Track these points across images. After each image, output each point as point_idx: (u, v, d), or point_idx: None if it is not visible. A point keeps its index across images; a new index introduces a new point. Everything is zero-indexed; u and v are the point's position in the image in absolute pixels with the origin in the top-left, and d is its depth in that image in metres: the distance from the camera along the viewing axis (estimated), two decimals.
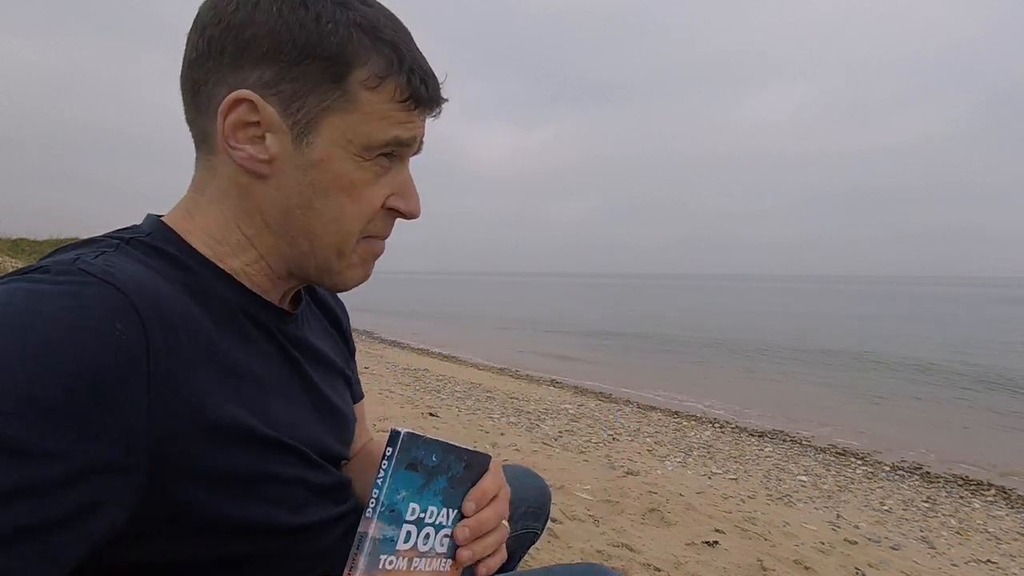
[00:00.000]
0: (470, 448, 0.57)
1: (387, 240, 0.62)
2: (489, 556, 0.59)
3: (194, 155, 0.58)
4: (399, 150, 0.56)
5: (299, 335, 0.63)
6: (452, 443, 0.54)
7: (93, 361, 0.40)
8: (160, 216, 0.58)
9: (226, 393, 0.49)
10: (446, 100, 0.58)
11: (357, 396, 0.79)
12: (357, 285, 0.62)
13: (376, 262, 0.63)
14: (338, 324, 0.76)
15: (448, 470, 0.55)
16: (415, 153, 0.60)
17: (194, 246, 0.55)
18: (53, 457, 0.37)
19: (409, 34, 0.56)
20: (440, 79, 0.58)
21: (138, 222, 0.58)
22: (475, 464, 0.59)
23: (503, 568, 1.02)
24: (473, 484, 0.59)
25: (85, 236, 0.54)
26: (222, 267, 0.56)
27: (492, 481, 0.60)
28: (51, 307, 0.41)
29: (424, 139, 0.60)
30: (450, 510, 0.57)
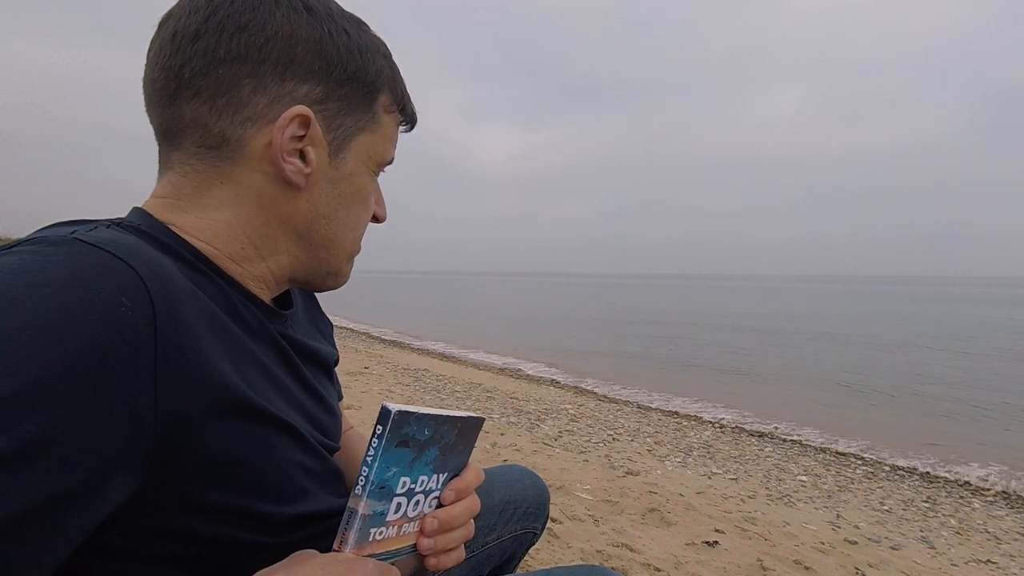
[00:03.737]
0: (462, 415, 0.56)
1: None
2: (447, 551, 0.58)
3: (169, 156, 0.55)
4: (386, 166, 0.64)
5: (289, 333, 0.62)
6: (444, 414, 0.53)
7: (97, 339, 0.38)
8: (144, 209, 0.55)
9: (229, 372, 0.48)
10: None
11: (339, 396, 0.79)
12: (343, 282, 0.67)
13: None
14: (320, 326, 0.77)
15: (440, 440, 0.54)
16: None
17: (187, 240, 0.53)
18: (55, 442, 0.36)
19: None
20: None
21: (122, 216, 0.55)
22: (467, 429, 0.58)
23: (503, 568, 1.03)
24: (464, 447, 0.59)
25: (49, 224, 0.51)
26: (215, 262, 0.55)
27: (474, 475, 0.61)
28: (50, 279, 0.38)
29: None
30: (440, 475, 0.56)
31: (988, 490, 4.44)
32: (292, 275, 0.61)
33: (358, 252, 0.65)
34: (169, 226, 0.53)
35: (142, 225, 0.52)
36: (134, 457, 0.41)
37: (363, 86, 0.57)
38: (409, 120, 0.64)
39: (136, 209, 0.56)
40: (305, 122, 0.53)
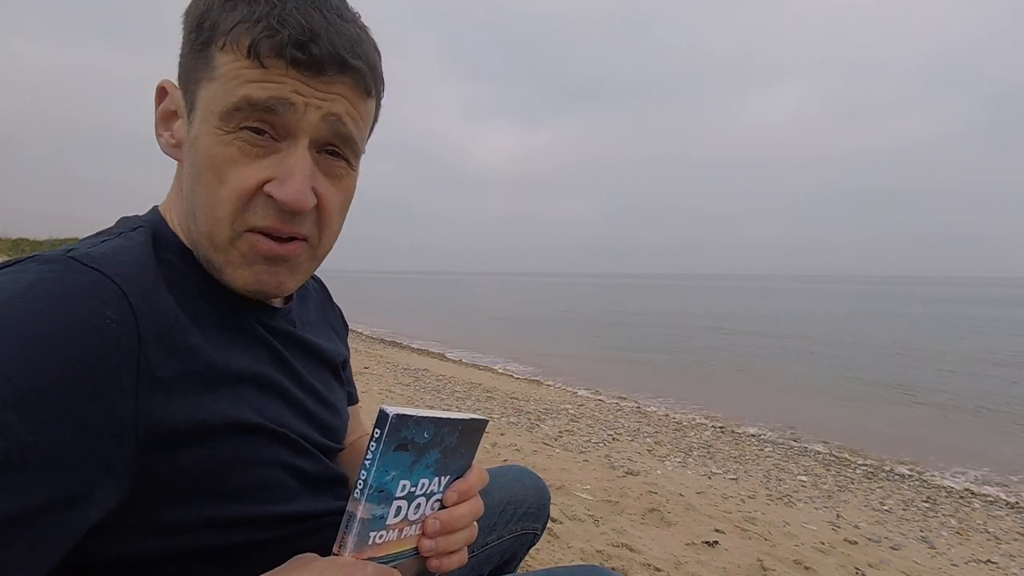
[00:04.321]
0: (464, 417, 0.55)
1: (311, 245, 0.55)
2: (450, 553, 0.57)
3: None
4: (274, 122, 0.49)
5: (285, 328, 0.62)
6: (445, 416, 0.53)
7: (85, 351, 0.39)
8: (157, 206, 0.59)
9: (211, 383, 0.48)
10: (342, 59, 0.49)
11: (353, 399, 0.80)
12: (248, 288, 0.54)
13: (283, 269, 0.54)
14: (333, 323, 0.77)
15: (441, 443, 0.53)
16: (336, 135, 0.52)
17: (180, 239, 0.56)
18: (45, 448, 0.37)
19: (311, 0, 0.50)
20: (335, 39, 0.49)
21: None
22: (469, 431, 0.57)
23: (504, 568, 1.02)
24: (467, 449, 0.58)
25: (84, 237, 0.54)
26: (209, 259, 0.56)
27: (477, 476, 0.60)
28: (39, 294, 0.40)
29: (343, 117, 0.51)
30: (442, 477, 0.56)
31: (966, 491, 4.44)
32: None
33: (225, 237, 0.51)
34: (171, 225, 0.56)
35: (154, 230, 0.54)
36: (120, 464, 0.42)
37: (198, 34, 0.50)
38: (253, 46, 0.47)
39: (154, 208, 0.59)
40: (171, 96, 0.55)
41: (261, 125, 0.49)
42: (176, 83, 0.54)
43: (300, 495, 0.56)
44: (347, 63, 0.50)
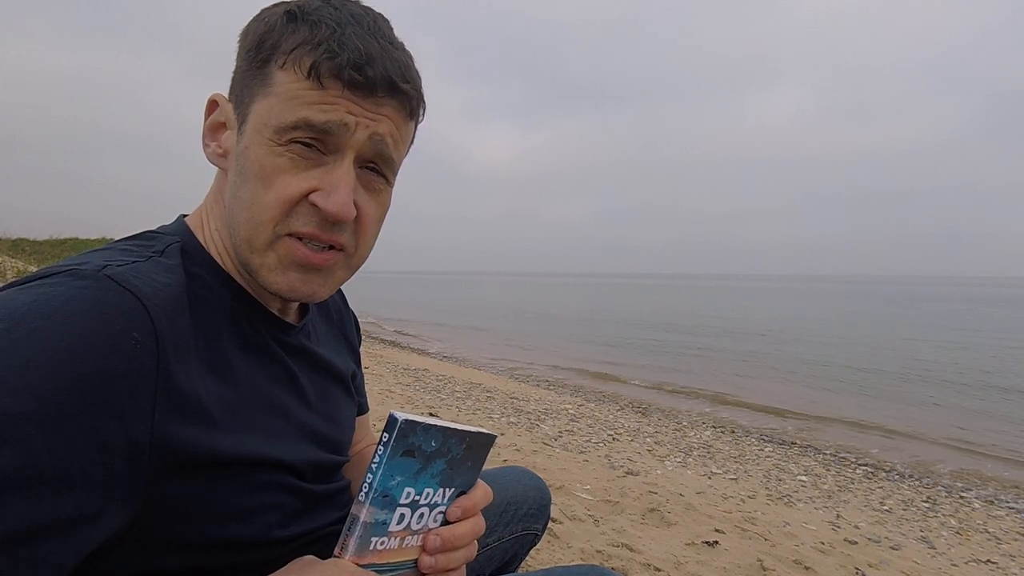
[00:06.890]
0: (472, 429, 0.55)
1: (337, 251, 0.56)
2: (448, 571, 0.57)
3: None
4: (326, 139, 0.52)
5: (299, 345, 0.63)
6: (453, 426, 0.53)
7: (109, 366, 0.41)
8: (186, 217, 0.61)
9: (224, 412, 0.50)
10: (392, 83, 0.52)
11: (362, 409, 0.80)
12: (281, 293, 0.55)
13: (317, 278, 0.56)
14: (348, 334, 0.78)
15: (448, 453, 0.54)
16: (377, 155, 0.55)
17: (208, 252, 0.57)
18: (61, 465, 0.37)
19: (360, 22, 0.52)
20: (387, 64, 0.52)
21: (168, 221, 0.61)
22: (476, 444, 0.57)
23: (504, 569, 1.02)
24: (474, 463, 0.58)
25: (85, 237, 0.55)
26: (228, 273, 0.57)
27: (482, 494, 0.60)
28: (74, 311, 0.41)
29: (386, 138, 0.54)
30: (447, 489, 0.56)
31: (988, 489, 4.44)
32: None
33: (264, 240, 0.53)
34: (202, 236, 0.58)
35: (184, 243, 0.55)
36: (132, 484, 0.42)
37: (258, 52, 0.53)
38: (314, 69, 0.50)
39: (179, 219, 0.60)
40: (222, 108, 0.57)
41: (312, 141, 0.52)
42: (227, 96, 0.57)
43: (302, 515, 0.58)
44: (397, 86, 0.53)
